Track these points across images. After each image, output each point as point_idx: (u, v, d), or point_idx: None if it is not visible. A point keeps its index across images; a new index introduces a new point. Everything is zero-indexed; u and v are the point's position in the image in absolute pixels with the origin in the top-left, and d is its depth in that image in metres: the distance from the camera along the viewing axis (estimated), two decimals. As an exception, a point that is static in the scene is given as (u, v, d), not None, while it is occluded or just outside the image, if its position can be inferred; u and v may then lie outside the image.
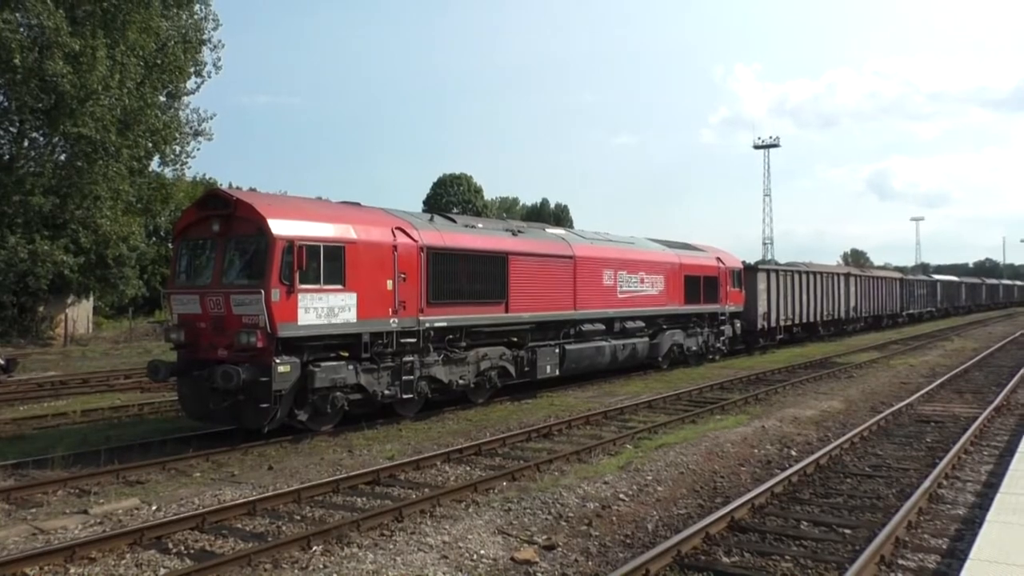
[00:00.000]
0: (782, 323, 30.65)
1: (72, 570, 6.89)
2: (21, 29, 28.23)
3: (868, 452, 11.75)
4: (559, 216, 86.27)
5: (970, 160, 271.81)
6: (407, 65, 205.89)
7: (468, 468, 10.83)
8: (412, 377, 13.83)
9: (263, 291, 11.46)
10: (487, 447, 11.87)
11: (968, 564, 6.20)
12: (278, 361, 11.61)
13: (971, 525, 7.89)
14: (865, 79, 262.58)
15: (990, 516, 7.48)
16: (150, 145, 33.47)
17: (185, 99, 36.22)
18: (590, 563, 7.18)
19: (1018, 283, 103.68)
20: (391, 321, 13.35)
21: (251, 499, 8.80)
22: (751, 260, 31.10)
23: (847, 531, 7.99)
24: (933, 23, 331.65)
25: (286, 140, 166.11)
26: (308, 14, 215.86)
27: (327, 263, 12.30)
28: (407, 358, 13.73)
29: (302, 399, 12.19)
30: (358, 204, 14.56)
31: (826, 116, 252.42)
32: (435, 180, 74.09)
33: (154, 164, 35.59)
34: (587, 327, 18.76)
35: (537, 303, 16.96)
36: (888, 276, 48.00)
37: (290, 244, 11.76)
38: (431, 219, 15.65)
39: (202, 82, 36.36)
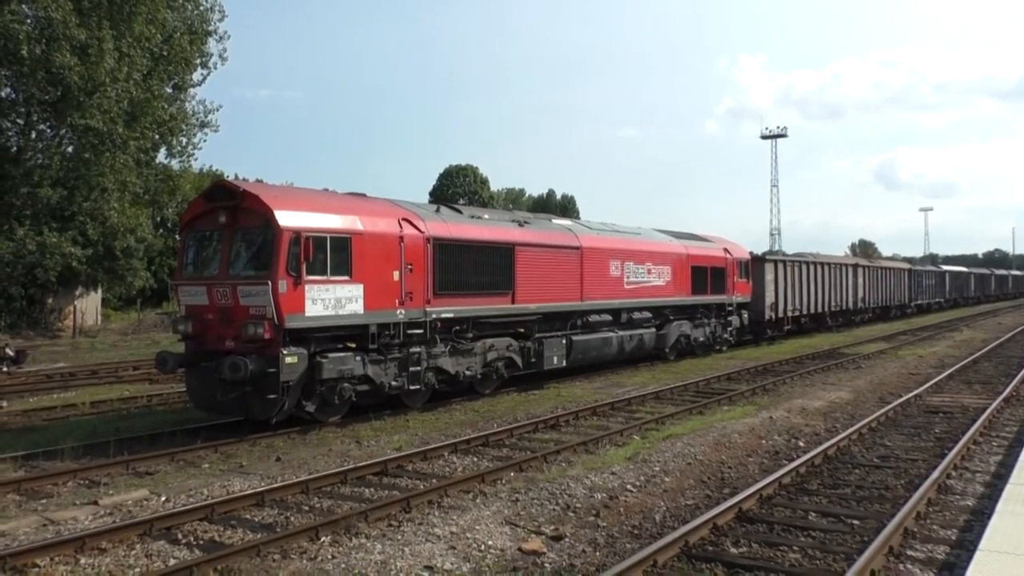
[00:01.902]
0: (790, 314, 30.54)
1: (83, 561, 6.93)
2: (28, 20, 28.23)
3: (876, 443, 11.72)
4: (566, 207, 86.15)
5: (978, 150, 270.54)
6: (412, 58, 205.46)
7: (475, 459, 10.84)
8: (419, 368, 13.83)
9: (270, 282, 11.47)
10: (494, 438, 11.88)
11: (978, 555, 6.17)
12: (285, 352, 11.62)
13: (980, 516, 7.86)
14: (870, 69, 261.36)
15: (1000, 507, 7.45)
16: (157, 137, 33.54)
17: (191, 91, 36.30)
18: (598, 554, 7.18)
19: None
20: (398, 312, 13.35)
21: (259, 490, 8.83)
22: (758, 251, 31.01)
23: (855, 522, 7.97)
24: (938, 13, 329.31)
25: (292, 133, 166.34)
26: (311, 7, 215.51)
27: (334, 254, 12.29)
28: (414, 349, 13.73)
29: (310, 390, 12.20)
30: (364, 195, 14.54)
31: (832, 107, 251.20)
32: (441, 171, 74.14)
33: (161, 156, 35.70)
34: (594, 318, 18.74)
35: (544, 294, 16.93)
36: (896, 267, 47.78)
37: (297, 235, 11.76)
38: (437, 210, 15.63)
39: (208, 73, 36.41)
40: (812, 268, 32.64)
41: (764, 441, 11.97)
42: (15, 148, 31.15)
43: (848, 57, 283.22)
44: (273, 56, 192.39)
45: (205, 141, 38.47)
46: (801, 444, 11.77)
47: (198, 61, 35.43)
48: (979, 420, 12.62)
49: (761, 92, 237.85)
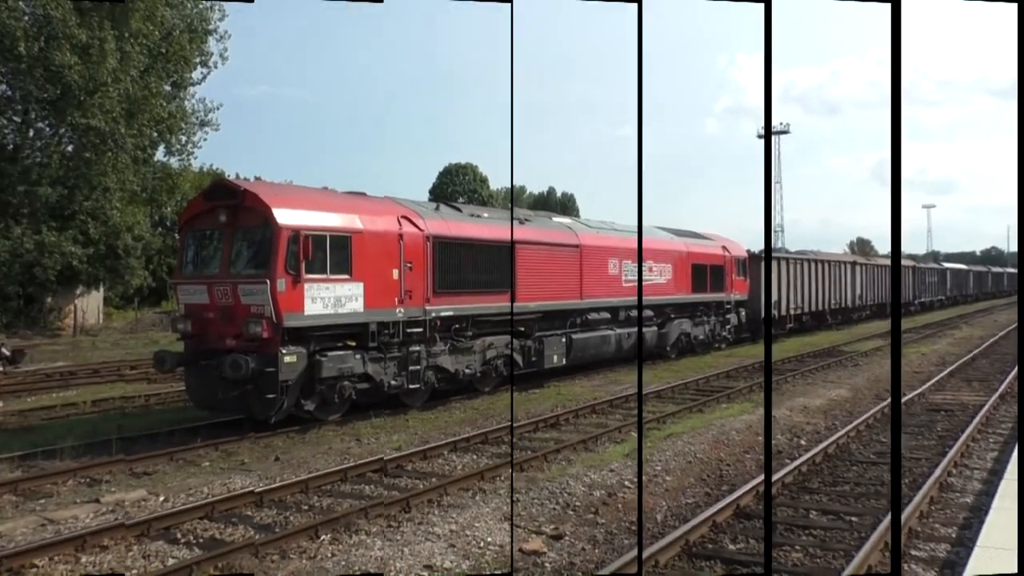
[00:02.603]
0: (790, 311, 30.56)
1: (83, 559, 6.93)
2: (25, 17, 28.15)
3: (875, 440, 11.72)
4: (565, 205, 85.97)
5: (978, 147, 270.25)
6: (412, 57, 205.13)
7: (475, 457, 10.84)
8: (419, 367, 13.83)
9: (268, 281, 11.47)
10: (494, 436, 11.88)
11: (976, 552, 6.19)
12: (284, 351, 11.61)
13: (979, 513, 7.87)
14: (870, 67, 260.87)
15: (995, 503, 7.47)
16: (155, 135, 33.46)
17: (191, 89, 36.20)
18: (597, 552, 7.18)
19: None
20: (397, 311, 13.35)
21: (259, 489, 8.82)
22: (758, 250, 30.96)
23: (855, 519, 7.98)
24: (938, 12, 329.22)
25: (291, 131, 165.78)
26: (311, 6, 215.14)
27: (333, 253, 12.29)
28: (413, 347, 13.73)
29: (309, 389, 12.20)
30: (364, 194, 14.53)
31: (832, 104, 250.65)
32: (441, 170, 74.05)
33: (159, 154, 35.61)
34: (593, 316, 18.74)
35: (543, 292, 16.93)
36: (896, 264, 47.70)
37: (296, 234, 11.75)
38: (437, 208, 15.63)
39: (208, 72, 36.30)
40: (812, 266, 32.66)
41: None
42: (12, 146, 31.06)
43: (847, 56, 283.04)
44: (273, 55, 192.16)
45: (205, 140, 38.43)
46: (802, 442, 11.78)
47: (198, 60, 35.34)
48: (977, 417, 12.63)
49: (760, 90, 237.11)
